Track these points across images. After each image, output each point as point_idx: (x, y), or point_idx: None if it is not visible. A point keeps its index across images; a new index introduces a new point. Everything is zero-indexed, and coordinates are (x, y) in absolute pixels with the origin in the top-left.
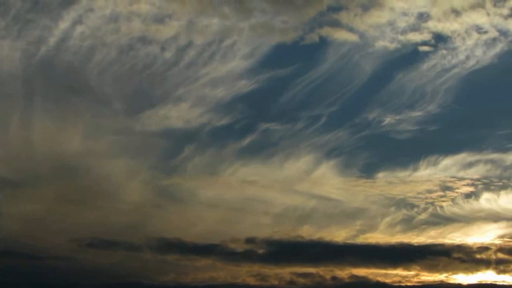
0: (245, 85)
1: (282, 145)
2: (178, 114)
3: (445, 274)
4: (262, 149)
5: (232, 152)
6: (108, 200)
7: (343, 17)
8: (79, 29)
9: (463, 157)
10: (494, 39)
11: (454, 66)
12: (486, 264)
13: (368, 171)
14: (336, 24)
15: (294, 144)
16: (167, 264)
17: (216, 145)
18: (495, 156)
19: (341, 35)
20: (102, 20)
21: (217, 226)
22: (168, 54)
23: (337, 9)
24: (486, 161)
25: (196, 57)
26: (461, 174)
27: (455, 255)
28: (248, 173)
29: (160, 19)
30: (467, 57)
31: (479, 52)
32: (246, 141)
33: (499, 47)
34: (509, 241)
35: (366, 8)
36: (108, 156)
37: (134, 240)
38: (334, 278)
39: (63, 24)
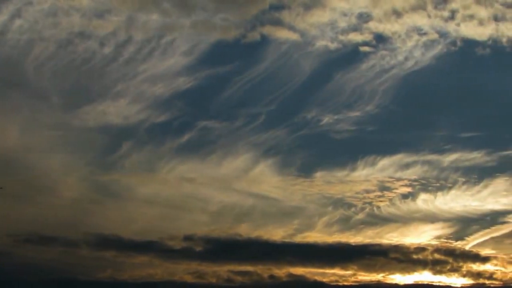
0: (184, 82)
1: (221, 143)
2: (117, 110)
3: (382, 274)
4: (201, 147)
5: (170, 149)
6: (45, 195)
7: (285, 16)
8: (17, 22)
9: (401, 157)
10: (433, 41)
11: (393, 67)
12: (422, 264)
13: (306, 170)
14: (278, 23)
15: (233, 142)
16: (104, 261)
17: (154, 142)
18: (432, 157)
19: (282, 33)
20: (41, 14)
21: (155, 223)
22: (107, 50)
23: (279, 7)
24: (423, 162)
25: (135, 53)
26: (399, 174)
27: (392, 255)
28: (186, 171)
29: (99, 14)
30: (406, 58)
31: (418, 53)
32: (185, 138)
33: (437, 49)
34: (445, 242)
35: (308, 7)
36: (46, 151)
37: (72, 236)
38: (271, 276)
39: (1, 17)
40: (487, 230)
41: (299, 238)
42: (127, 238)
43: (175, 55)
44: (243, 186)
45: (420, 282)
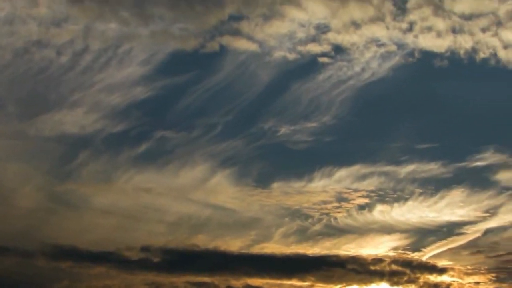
0: (141, 92)
1: (178, 153)
2: (73, 120)
3: (339, 285)
4: (158, 157)
5: (127, 159)
6: (0, 205)
7: (244, 26)
8: None
9: (357, 168)
10: (391, 52)
11: (350, 78)
12: (380, 275)
13: (264, 181)
14: (237, 33)
15: (190, 152)
16: (61, 272)
17: (111, 152)
18: (388, 168)
19: (241, 44)
20: None
21: (112, 233)
22: (64, 59)
23: (238, 18)
24: (380, 173)
25: (92, 62)
26: (356, 185)
27: (350, 266)
28: (143, 181)
29: (56, 23)
30: (364, 69)
31: (375, 64)
32: (142, 148)
33: (395, 60)
34: (403, 253)
35: (267, 18)
36: (1, 160)
37: (27, 246)
38: (229, 287)
39: None
40: (443, 242)
41: (256, 249)
42: (84, 248)
43: (132, 65)
44: (200, 197)
45: None
